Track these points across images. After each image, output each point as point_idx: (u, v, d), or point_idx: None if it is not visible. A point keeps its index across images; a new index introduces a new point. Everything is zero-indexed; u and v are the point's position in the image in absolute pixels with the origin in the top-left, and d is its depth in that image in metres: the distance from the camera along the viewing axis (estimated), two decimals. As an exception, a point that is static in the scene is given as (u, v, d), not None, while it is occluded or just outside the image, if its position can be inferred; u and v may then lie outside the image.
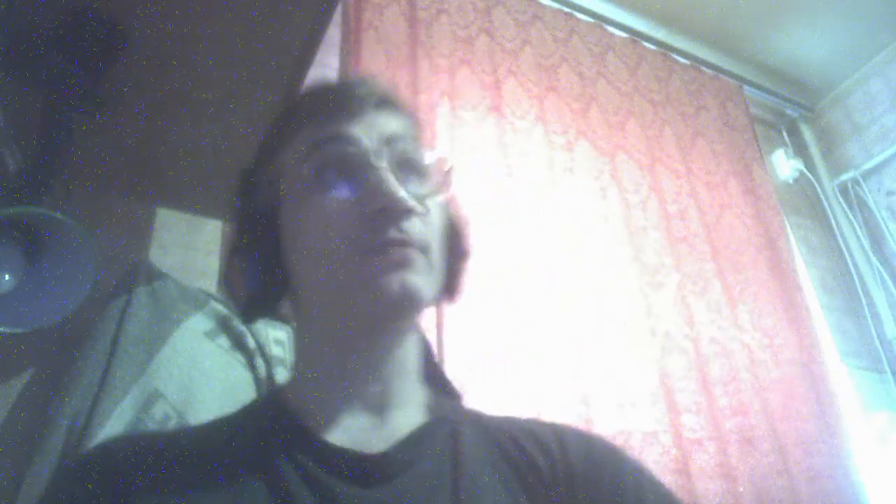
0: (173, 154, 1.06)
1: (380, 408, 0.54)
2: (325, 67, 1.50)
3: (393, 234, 0.49)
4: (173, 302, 0.98)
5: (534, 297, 1.39)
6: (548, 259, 1.47)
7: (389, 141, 0.54)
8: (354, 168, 0.52)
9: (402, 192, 0.50)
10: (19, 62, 0.86)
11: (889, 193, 2.30)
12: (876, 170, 2.34)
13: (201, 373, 0.93)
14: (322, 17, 0.93)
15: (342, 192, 0.51)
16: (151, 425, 0.87)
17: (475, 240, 0.64)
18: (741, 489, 1.41)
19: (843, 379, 1.95)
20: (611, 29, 2.07)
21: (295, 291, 0.56)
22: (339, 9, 1.25)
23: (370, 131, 0.54)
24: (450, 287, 0.59)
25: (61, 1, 0.84)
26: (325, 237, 0.51)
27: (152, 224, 1.17)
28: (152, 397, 0.90)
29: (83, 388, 0.88)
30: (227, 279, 0.57)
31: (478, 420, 0.60)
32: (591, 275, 1.51)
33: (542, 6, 1.92)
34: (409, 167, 0.54)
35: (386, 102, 0.57)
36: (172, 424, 0.88)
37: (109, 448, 0.52)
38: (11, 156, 0.90)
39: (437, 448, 0.53)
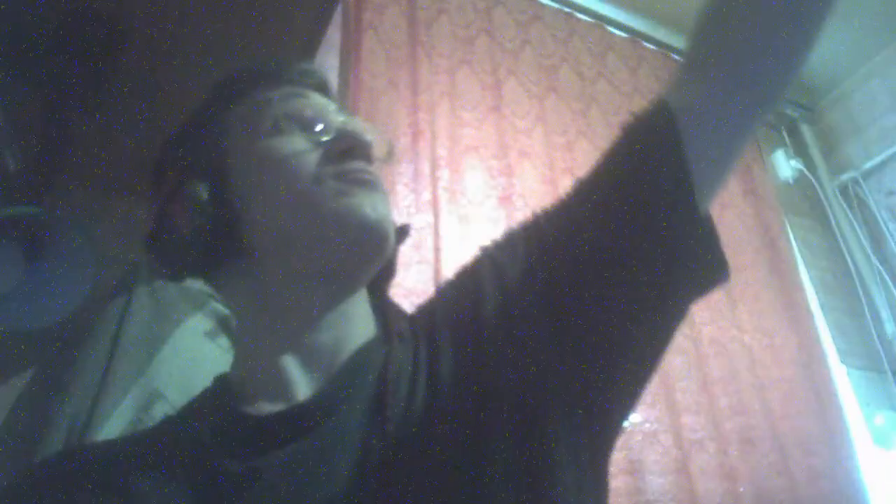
0: (173, 154, 1.06)
1: (329, 355, 0.51)
2: (325, 67, 1.50)
3: (362, 167, 0.51)
4: (173, 302, 0.97)
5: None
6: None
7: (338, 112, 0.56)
8: (313, 119, 0.53)
9: (370, 135, 0.52)
10: (19, 62, 0.86)
11: (889, 193, 2.30)
12: (876, 170, 2.34)
13: (201, 373, 0.93)
14: (322, 17, 0.93)
15: (306, 136, 0.52)
16: (152, 425, 0.87)
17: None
18: (741, 489, 1.41)
19: (843, 379, 1.95)
20: (611, 29, 2.07)
21: (240, 251, 0.52)
22: (339, 9, 1.25)
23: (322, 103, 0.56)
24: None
25: (61, 1, 0.84)
26: (291, 172, 0.50)
27: (152, 224, 1.16)
28: (152, 397, 0.90)
29: (83, 388, 0.88)
30: (160, 231, 0.53)
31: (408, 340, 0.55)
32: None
33: (542, 6, 1.92)
34: None
35: (322, 87, 0.59)
36: (172, 424, 0.88)
37: (41, 469, 0.51)
38: (11, 156, 0.90)
39: (370, 376, 0.50)
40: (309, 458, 0.46)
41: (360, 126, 0.53)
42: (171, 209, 0.53)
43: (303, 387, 0.50)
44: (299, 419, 0.48)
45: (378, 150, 0.55)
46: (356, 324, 0.54)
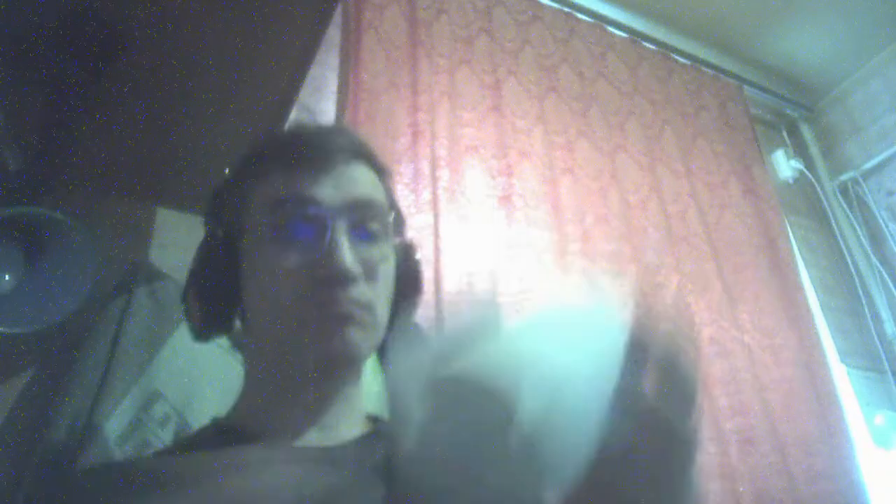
0: (173, 154, 1.06)
1: (325, 421, 0.57)
2: (325, 67, 1.50)
3: (338, 298, 0.53)
4: (173, 302, 0.97)
5: (533, 297, 1.39)
6: (547, 259, 1.47)
7: (352, 204, 0.57)
8: (313, 228, 0.55)
9: (350, 261, 0.53)
10: (19, 62, 0.86)
11: (889, 193, 2.30)
12: (876, 170, 2.34)
13: (201, 373, 0.93)
14: (322, 17, 0.93)
15: (297, 253, 0.54)
16: (151, 425, 0.87)
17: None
18: (741, 489, 1.41)
19: (843, 379, 1.95)
20: (611, 29, 2.07)
21: (248, 323, 0.59)
22: (339, 9, 1.25)
23: (336, 191, 0.56)
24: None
25: (61, 1, 0.83)
26: (276, 292, 0.54)
27: (152, 224, 1.16)
28: (152, 397, 0.90)
29: (83, 388, 0.88)
30: (186, 299, 0.59)
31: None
32: (591, 275, 1.51)
33: (542, 6, 1.92)
34: (367, 229, 0.58)
35: (358, 156, 0.60)
36: (172, 424, 0.88)
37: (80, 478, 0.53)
38: (11, 156, 0.90)
39: (376, 450, 0.56)
40: (347, 490, 0.51)
41: (343, 252, 0.53)
42: (193, 282, 0.59)
43: (308, 433, 0.55)
44: (339, 456, 0.53)
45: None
46: (352, 403, 0.60)
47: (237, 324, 0.61)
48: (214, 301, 0.58)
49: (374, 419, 0.63)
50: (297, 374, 0.56)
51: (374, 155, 0.62)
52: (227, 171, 0.64)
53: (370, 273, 0.56)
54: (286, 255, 0.54)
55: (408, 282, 0.64)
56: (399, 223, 0.66)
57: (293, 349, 0.54)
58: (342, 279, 0.53)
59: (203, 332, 0.60)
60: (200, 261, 0.59)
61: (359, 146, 0.61)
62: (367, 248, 0.57)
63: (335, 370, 0.57)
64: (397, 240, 0.64)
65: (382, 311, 0.57)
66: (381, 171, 0.63)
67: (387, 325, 0.58)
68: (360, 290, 0.54)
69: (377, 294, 0.56)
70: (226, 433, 0.56)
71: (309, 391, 0.56)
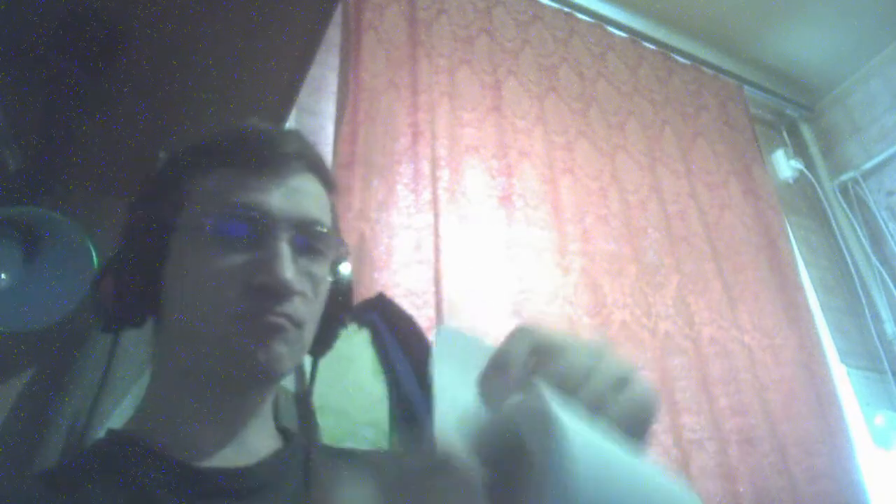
0: (173, 154, 1.06)
1: (239, 437, 0.55)
2: (325, 67, 1.50)
3: (272, 309, 0.51)
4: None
5: (533, 298, 1.39)
6: (547, 259, 1.47)
7: (300, 219, 0.54)
8: (256, 235, 0.52)
9: (289, 274, 0.51)
10: (19, 62, 0.86)
11: (889, 193, 2.30)
12: (876, 170, 2.34)
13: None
14: (322, 17, 0.93)
15: (236, 257, 0.52)
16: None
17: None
18: (741, 489, 1.41)
19: (843, 379, 1.95)
20: (611, 29, 2.07)
21: (164, 322, 0.56)
22: (339, 9, 1.25)
23: (285, 202, 0.54)
24: (320, 347, 0.62)
25: (61, 1, 0.84)
26: (205, 295, 0.52)
27: (152, 224, 1.16)
28: (152, 397, 0.90)
29: (83, 388, 0.88)
30: (99, 285, 0.57)
31: (325, 448, 0.64)
32: (591, 275, 1.51)
33: (542, 6, 1.92)
34: (310, 246, 0.55)
35: (310, 168, 0.58)
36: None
37: None
38: (11, 156, 0.90)
39: (293, 465, 0.56)
40: None
41: (284, 264, 0.51)
42: (115, 265, 0.57)
43: (218, 446, 0.53)
44: (249, 479, 0.51)
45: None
46: (264, 414, 0.58)
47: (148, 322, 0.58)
48: (134, 292, 0.55)
49: (283, 431, 0.61)
50: (212, 382, 0.53)
51: (325, 168, 0.60)
52: (162, 155, 0.60)
53: (307, 290, 0.54)
54: (223, 258, 0.52)
55: (337, 303, 0.61)
56: (338, 243, 0.62)
57: (213, 355, 0.52)
58: (280, 291, 0.51)
59: (112, 324, 0.57)
60: (124, 247, 0.57)
61: (312, 156, 0.59)
62: (307, 265, 0.54)
63: (254, 382, 0.55)
64: (333, 258, 0.61)
65: (310, 330, 0.56)
66: (330, 186, 0.61)
67: (310, 344, 0.57)
68: (295, 306, 0.52)
69: (310, 312, 0.55)
70: (128, 448, 0.51)
71: (223, 402, 0.54)
